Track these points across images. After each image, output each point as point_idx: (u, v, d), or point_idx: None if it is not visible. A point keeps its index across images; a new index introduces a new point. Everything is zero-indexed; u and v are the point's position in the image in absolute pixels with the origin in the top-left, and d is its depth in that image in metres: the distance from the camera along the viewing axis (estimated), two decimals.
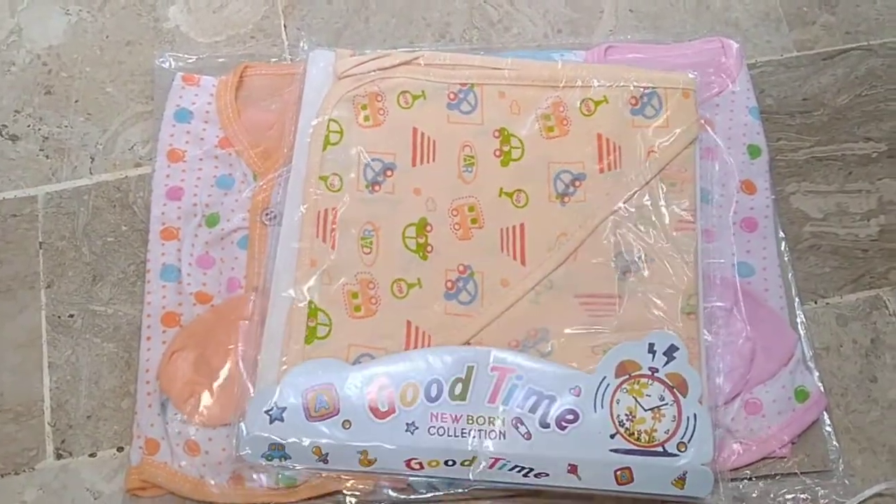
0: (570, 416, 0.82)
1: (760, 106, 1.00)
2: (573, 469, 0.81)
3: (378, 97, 0.93)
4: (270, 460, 0.81)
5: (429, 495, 0.83)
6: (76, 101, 1.00)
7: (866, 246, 0.97)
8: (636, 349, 0.84)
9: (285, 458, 0.81)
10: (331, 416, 0.81)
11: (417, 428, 0.81)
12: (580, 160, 0.91)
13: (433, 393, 0.82)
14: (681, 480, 0.81)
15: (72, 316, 0.91)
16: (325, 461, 0.81)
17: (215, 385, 0.85)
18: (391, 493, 0.83)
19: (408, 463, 0.81)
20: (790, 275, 0.93)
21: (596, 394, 0.82)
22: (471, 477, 0.81)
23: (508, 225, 0.89)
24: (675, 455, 0.81)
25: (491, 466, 0.81)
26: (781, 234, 0.95)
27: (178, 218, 0.92)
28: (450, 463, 0.81)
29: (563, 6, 1.07)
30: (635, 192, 0.90)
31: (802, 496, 0.85)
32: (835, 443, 0.88)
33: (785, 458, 0.86)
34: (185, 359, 0.86)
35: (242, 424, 0.81)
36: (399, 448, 0.81)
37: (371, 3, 1.06)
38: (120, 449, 0.87)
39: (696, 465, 0.81)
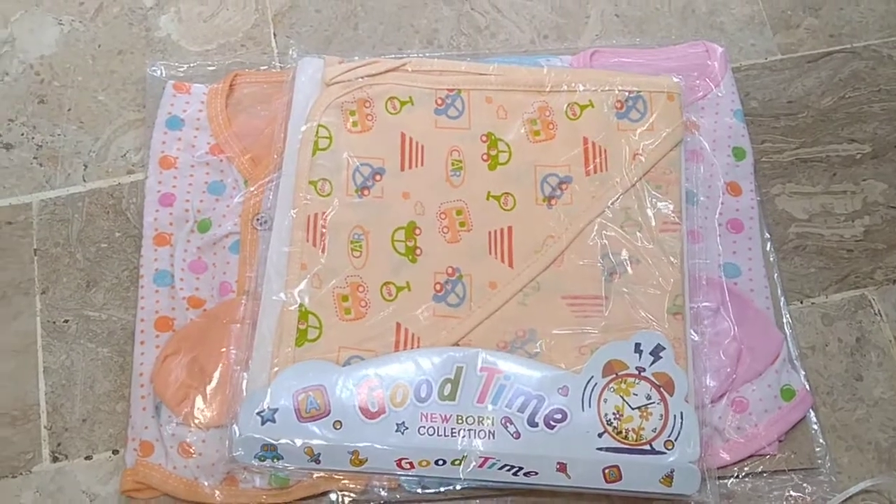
0: (559, 416, 0.82)
1: (745, 108, 1.01)
2: (562, 468, 0.82)
3: (366, 103, 0.94)
4: (263, 461, 0.82)
5: (421, 493, 0.84)
6: (69, 110, 1.01)
7: (851, 246, 0.98)
8: (623, 349, 0.85)
9: (277, 459, 0.82)
10: (322, 417, 0.82)
11: (407, 428, 0.82)
12: (566, 163, 0.92)
13: (423, 393, 0.83)
14: (668, 478, 0.82)
15: (66, 321, 0.92)
16: (317, 461, 0.82)
17: (208, 388, 0.86)
18: (383, 492, 0.84)
19: (398, 463, 0.81)
20: (776, 275, 0.94)
21: (583, 393, 0.83)
22: (461, 476, 0.82)
23: (496, 228, 0.90)
24: (663, 453, 0.82)
25: (481, 466, 0.81)
26: (767, 235, 0.96)
27: (170, 224, 0.93)
28: (440, 462, 0.82)
29: (549, 12, 1.08)
30: (621, 194, 0.91)
31: (790, 493, 0.86)
32: (821, 440, 0.88)
33: (772, 455, 0.87)
34: (179, 362, 0.87)
35: (235, 426, 0.82)
36: (389, 448, 0.81)
37: (360, 10, 1.07)
38: (115, 451, 0.87)
39: (683, 463, 0.82)
